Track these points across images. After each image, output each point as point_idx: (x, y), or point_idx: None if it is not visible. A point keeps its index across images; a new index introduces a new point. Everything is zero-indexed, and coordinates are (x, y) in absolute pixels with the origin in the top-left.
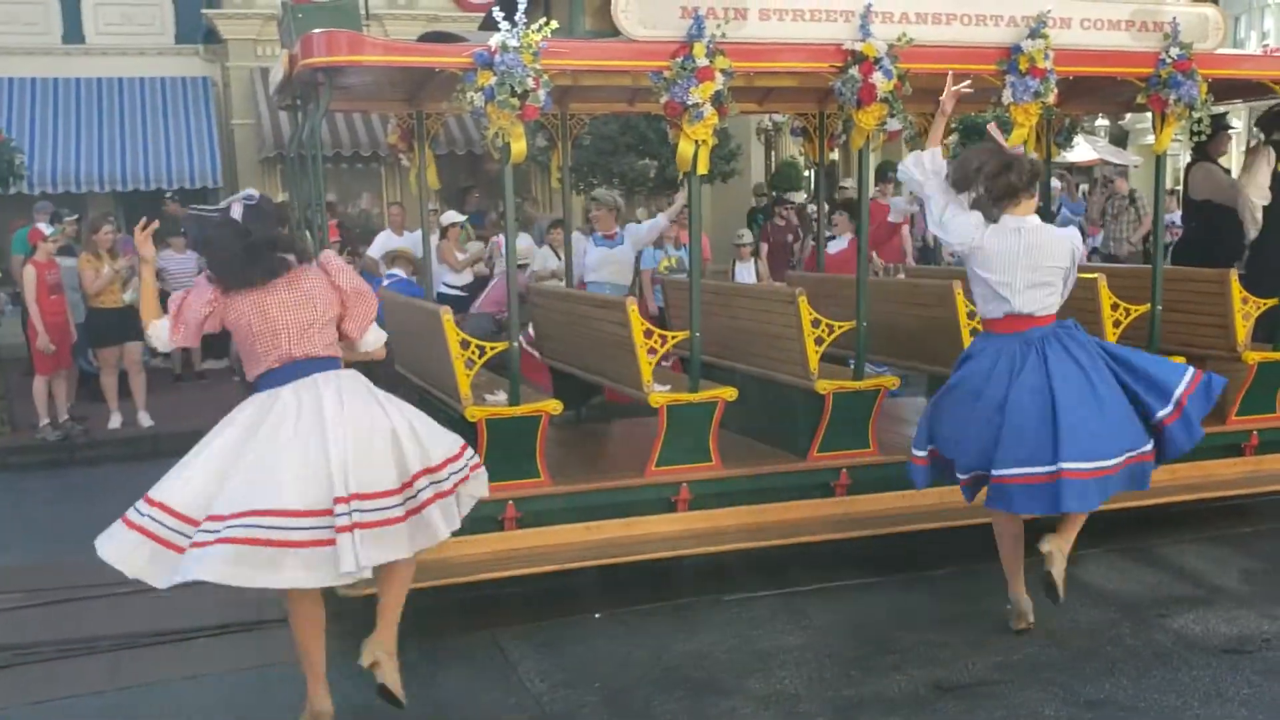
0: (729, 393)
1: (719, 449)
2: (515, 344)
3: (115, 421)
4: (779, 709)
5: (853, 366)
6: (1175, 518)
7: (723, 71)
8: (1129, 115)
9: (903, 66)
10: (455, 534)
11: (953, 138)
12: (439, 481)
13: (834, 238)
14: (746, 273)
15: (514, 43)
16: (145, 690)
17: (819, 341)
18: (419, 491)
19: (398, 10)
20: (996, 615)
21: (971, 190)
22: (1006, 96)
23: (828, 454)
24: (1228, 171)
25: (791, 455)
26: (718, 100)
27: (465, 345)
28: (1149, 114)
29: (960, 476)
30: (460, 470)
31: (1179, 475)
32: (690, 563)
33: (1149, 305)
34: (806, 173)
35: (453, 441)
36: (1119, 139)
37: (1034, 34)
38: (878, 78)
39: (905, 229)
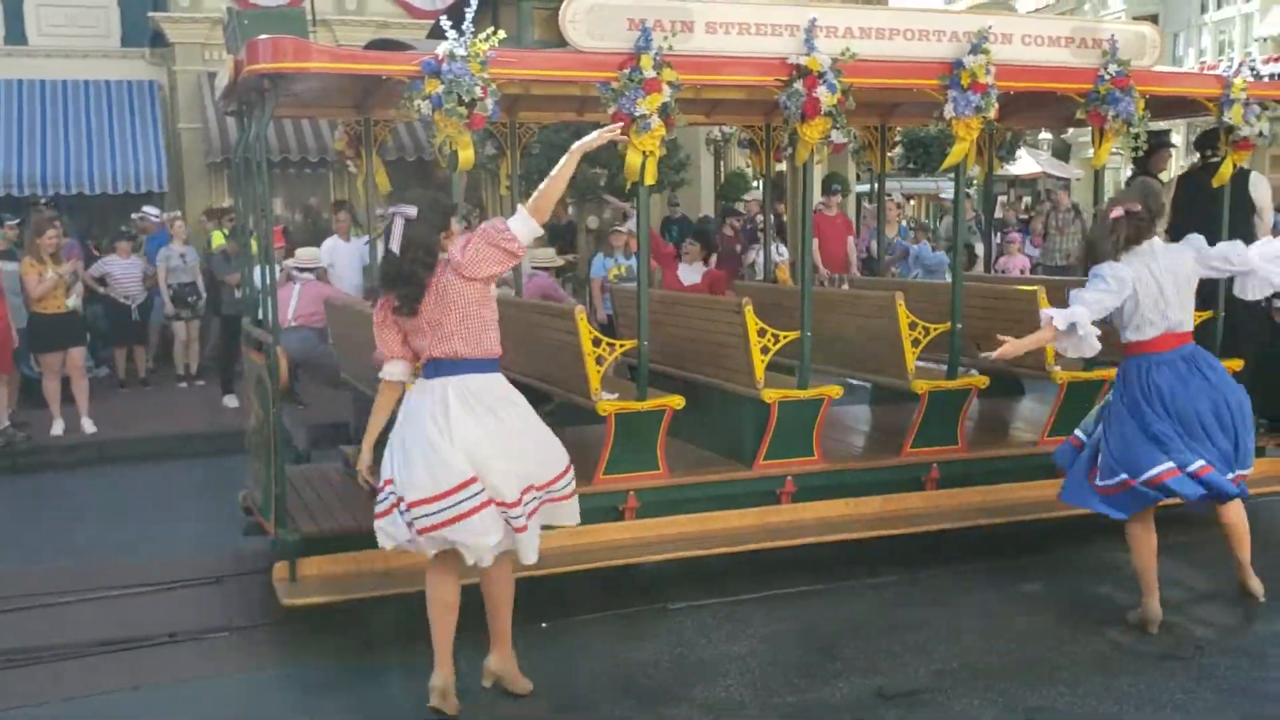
0: (676, 401)
1: (666, 457)
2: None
3: (58, 428)
4: (726, 717)
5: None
6: (1114, 527)
7: (670, 83)
8: (1071, 129)
9: (846, 81)
10: None
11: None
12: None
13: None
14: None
15: (461, 51)
16: (89, 701)
17: (765, 351)
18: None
19: (346, 16)
20: (938, 623)
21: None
22: (949, 111)
23: (774, 462)
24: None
25: (738, 464)
26: (665, 112)
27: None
28: (1090, 129)
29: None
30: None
31: None
32: (636, 571)
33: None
34: (755, 184)
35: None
36: (1062, 152)
37: (976, 49)
38: (822, 92)
39: (850, 240)
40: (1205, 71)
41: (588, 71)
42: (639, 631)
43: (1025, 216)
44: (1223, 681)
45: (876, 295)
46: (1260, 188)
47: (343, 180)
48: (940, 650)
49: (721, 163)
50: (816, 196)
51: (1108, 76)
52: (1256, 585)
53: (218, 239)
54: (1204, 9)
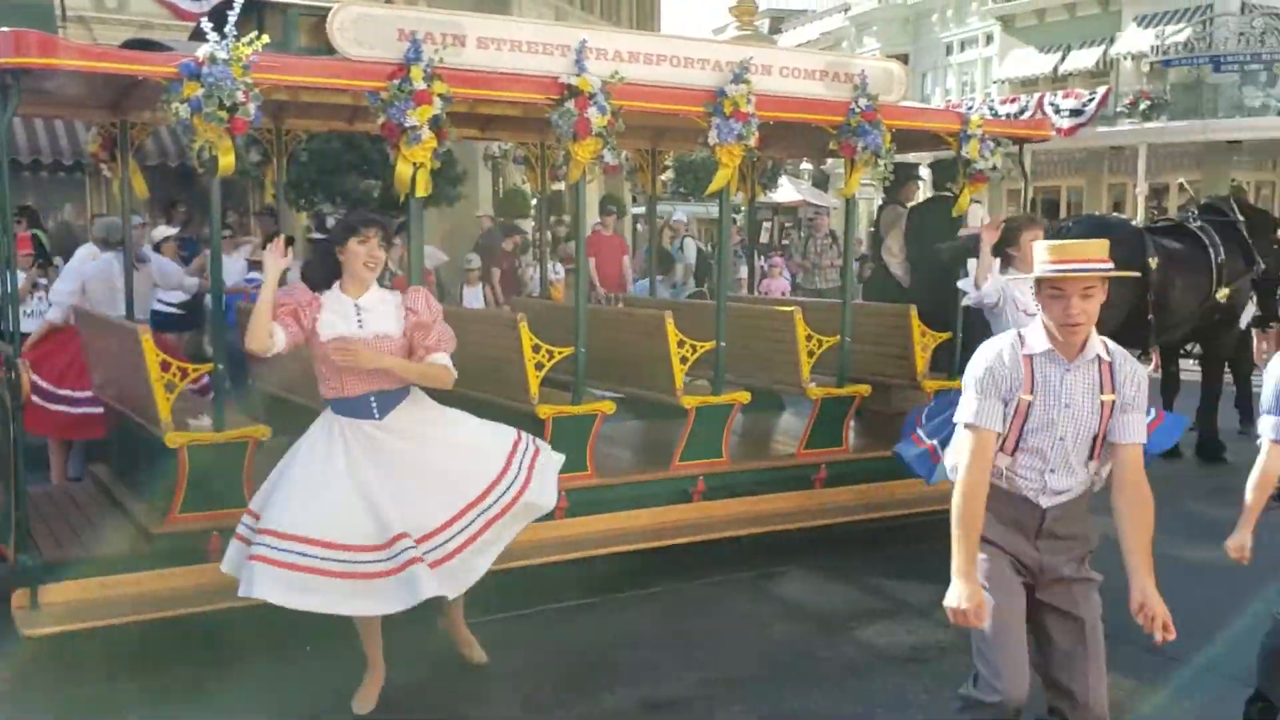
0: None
1: None
2: (219, 366)
3: None
4: None
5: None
6: (861, 536)
7: (441, 96)
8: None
9: (616, 103)
10: None
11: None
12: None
13: None
14: (474, 298)
15: (223, 55)
16: None
17: (539, 366)
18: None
19: (106, 14)
20: (704, 632)
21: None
22: (712, 137)
23: None
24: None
25: None
26: (436, 124)
27: (166, 367)
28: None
29: None
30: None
31: (866, 496)
32: None
33: (838, 337)
34: (534, 200)
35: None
36: (821, 182)
37: (737, 79)
38: (592, 113)
39: (626, 259)
40: (949, 109)
41: (356, 80)
42: (407, 653)
43: (786, 242)
44: (961, 681)
45: (648, 314)
46: (977, 219)
47: (99, 185)
48: (705, 659)
49: (500, 179)
50: (594, 216)
51: (858, 110)
52: None
53: None
54: (949, 51)
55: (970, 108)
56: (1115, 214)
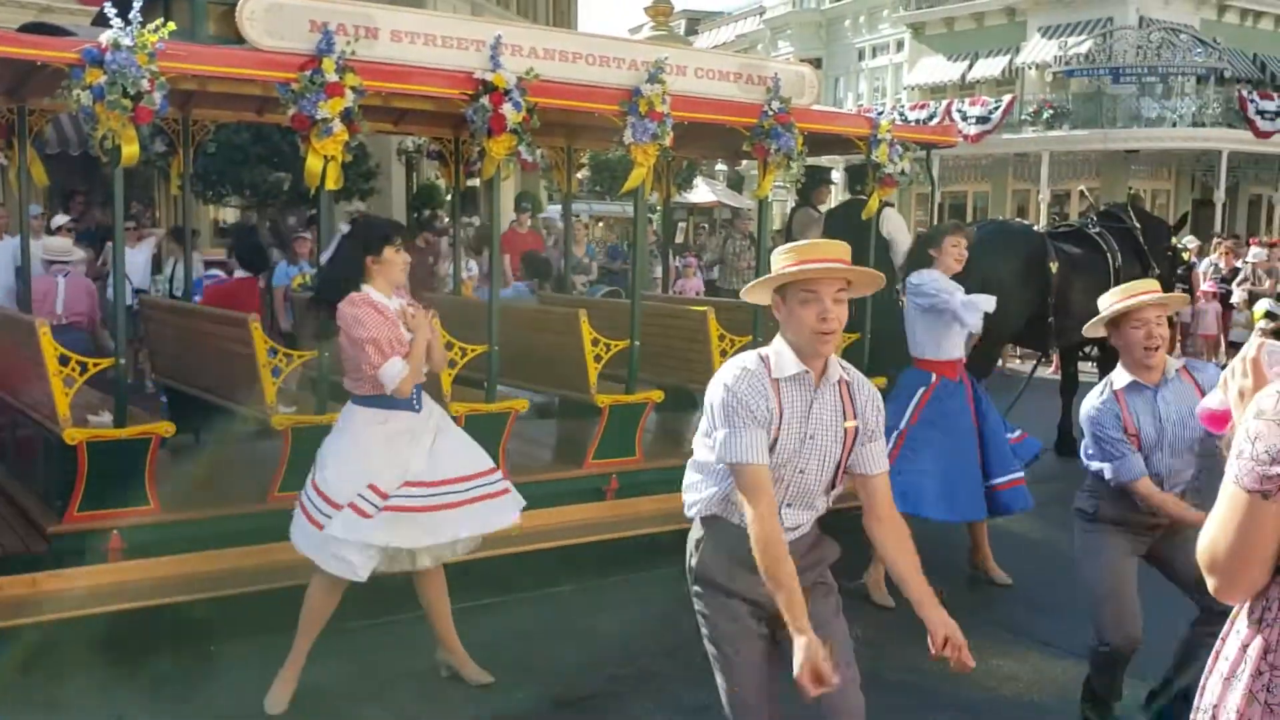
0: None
1: None
2: (121, 360)
3: None
4: None
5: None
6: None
7: (353, 89)
8: (745, 161)
9: (532, 100)
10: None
11: (583, 173)
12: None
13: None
14: None
15: (128, 41)
16: None
17: (452, 364)
18: None
19: None
20: (612, 629)
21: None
22: (628, 137)
23: None
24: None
25: None
26: (347, 117)
27: (65, 361)
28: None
29: None
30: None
31: None
32: (301, 592)
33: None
34: (448, 196)
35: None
36: (736, 184)
37: (653, 79)
38: (507, 109)
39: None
40: (860, 113)
41: (266, 71)
42: (316, 652)
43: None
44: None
45: (563, 312)
46: (892, 221)
47: None
48: (614, 657)
49: (414, 173)
50: (509, 213)
51: (770, 112)
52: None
53: None
54: (861, 57)
55: (880, 113)
56: (1019, 219)
